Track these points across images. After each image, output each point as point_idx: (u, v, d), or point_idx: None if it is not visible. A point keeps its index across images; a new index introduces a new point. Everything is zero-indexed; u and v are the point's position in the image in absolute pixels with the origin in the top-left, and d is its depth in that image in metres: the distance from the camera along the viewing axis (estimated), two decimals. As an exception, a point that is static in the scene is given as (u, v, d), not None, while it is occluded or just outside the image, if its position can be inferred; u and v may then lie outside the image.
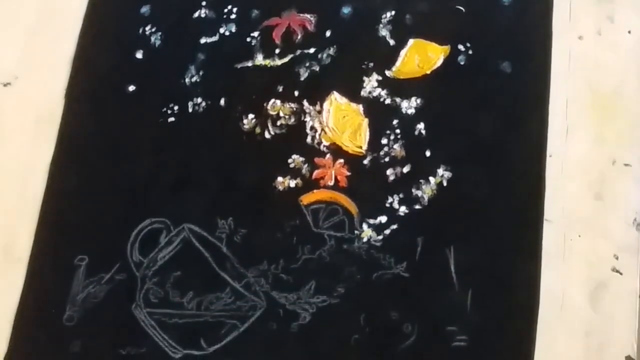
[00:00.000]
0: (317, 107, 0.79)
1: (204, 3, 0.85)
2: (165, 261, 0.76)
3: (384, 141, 0.77)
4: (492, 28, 0.79)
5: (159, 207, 0.78)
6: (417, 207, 0.74)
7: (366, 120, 0.78)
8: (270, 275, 0.74)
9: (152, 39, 0.84)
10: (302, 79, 0.80)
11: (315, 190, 0.76)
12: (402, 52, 0.79)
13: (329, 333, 0.71)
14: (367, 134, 0.77)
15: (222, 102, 0.81)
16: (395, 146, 0.76)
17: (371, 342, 0.70)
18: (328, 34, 0.82)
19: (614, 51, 0.77)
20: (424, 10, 0.81)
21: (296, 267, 0.74)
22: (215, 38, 0.83)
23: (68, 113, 0.83)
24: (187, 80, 0.82)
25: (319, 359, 0.72)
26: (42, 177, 0.81)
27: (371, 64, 0.79)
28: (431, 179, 0.75)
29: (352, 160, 0.77)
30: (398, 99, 0.78)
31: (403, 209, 0.74)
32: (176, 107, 0.81)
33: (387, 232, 0.74)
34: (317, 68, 0.80)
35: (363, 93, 0.79)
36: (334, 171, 0.76)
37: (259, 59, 0.82)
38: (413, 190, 0.74)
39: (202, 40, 0.83)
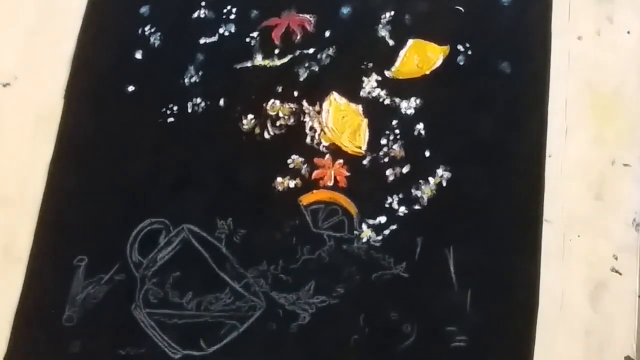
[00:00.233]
0: (317, 108, 0.79)
1: (203, 3, 0.85)
2: (165, 262, 0.76)
3: (384, 141, 0.77)
4: (492, 28, 0.79)
5: (158, 208, 0.78)
6: (417, 207, 0.74)
7: (365, 121, 0.78)
8: (270, 275, 0.74)
9: (152, 39, 0.84)
10: (301, 79, 0.80)
11: (314, 191, 0.76)
12: (402, 53, 0.79)
13: (329, 333, 0.71)
14: (367, 134, 0.77)
15: (221, 102, 0.81)
16: (395, 146, 0.76)
17: (371, 342, 0.70)
18: (327, 34, 0.81)
19: (613, 51, 0.77)
20: (423, 10, 0.81)
21: (295, 268, 0.74)
22: (214, 38, 0.83)
23: (67, 113, 0.83)
24: (186, 80, 0.82)
25: (318, 359, 0.72)
26: (42, 177, 0.80)
27: (370, 64, 0.79)
28: (430, 179, 0.75)
29: (352, 161, 0.77)
30: (397, 99, 0.78)
31: (402, 209, 0.74)
32: (175, 108, 0.81)
33: (387, 232, 0.74)
34: (316, 68, 0.80)
35: (362, 93, 0.79)
36: (333, 171, 0.76)
37: (259, 60, 0.82)
38: (412, 190, 0.74)
39: (202, 41, 0.83)
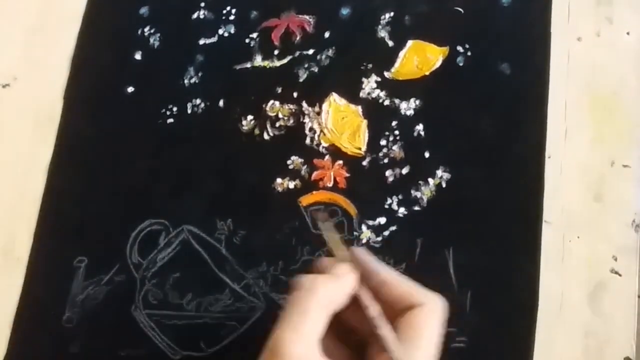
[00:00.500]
0: (316, 109, 0.79)
1: (202, 4, 0.85)
2: (165, 262, 0.76)
3: (383, 142, 0.77)
4: (491, 29, 0.79)
5: (158, 208, 0.78)
6: (416, 208, 0.74)
7: (365, 122, 0.78)
8: (270, 276, 0.74)
9: (151, 40, 0.84)
10: (301, 80, 0.80)
11: (314, 192, 0.76)
12: (401, 54, 0.80)
13: (328, 334, 0.71)
14: (366, 135, 0.77)
15: (220, 103, 0.81)
16: (394, 147, 0.76)
17: (370, 343, 0.70)
18: (327, 35, 0.82)
19: (613, 52, 0.77)
20: (423, 11, 0.81)
21: (295, 269, 0.74)
22: (214, 39, 0.83)
23: (67, 114, 0.83)
24: (186, 81, 0.82)
25: None
26: (42, 177, 0.80)
27: (370, 65, 0.79)
28: (430, 180, 0.75)
29: (351, 162, 0.77)
30: (397, 100, 0.78)
31: (402, 211, 0.74)
32: (175, 109, 0.81)
33: (386, 233, 0.74)
34: (316, 69, 0.80)
35: (362, 94, 0.79)
36: (333, 172, 0.76)
37: (258, 60, 0.82)
38: (412, 191, 0.75)
39: (201, 42, 0.83)
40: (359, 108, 0.78)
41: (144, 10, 0.86)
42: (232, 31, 0.83)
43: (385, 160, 0.76)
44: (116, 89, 0.83)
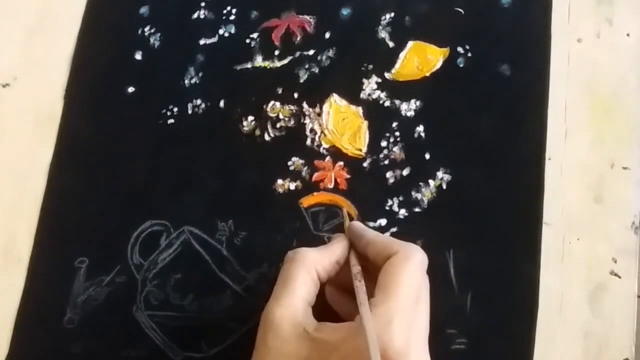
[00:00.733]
0: (317, 109, 0.79)
1: (203, 4, 0.85)
2: (166, 263, 0.76)
3: (384, 143, 0.77)
4: (492, 30, 0.79)
5: (159, 209, 0.78)
6: (417, 209, 0.74)
7: (366, 123, 0.78)
8: (271, 277, 0.74)
9: (151, 40, 0.84)
10: (301, 80, 0.80)
11: (315, 193, 0.76)
12: (402, 54, 0.80)
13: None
14: (367, 136, 0.77)
15: (221, 103, 0.81)
16: (395, 149, 0.76)
17: (371, 344, 0.70)
18: (327, 35, 0.82)
19: (613, 54, 0.77)
20: (423, 12, 0.81)
21: (296, 269, 0.74)
22: (214, 39, 0.83)
23: (67, 114, 0.83)
24: (186, 81, 0.82)
25: None
26: (42, 178, 0.80)
27: (370, 66, 0.80)
28: (430, 181, 0.75)
29: (352, 163, 0.77)
30: (397, 101, 0.78)
31: (403, 212, 0.74)
32: (175, 109, 0.81)
33: (387, 234, 0.74)
34: (316, 70, 0.80)
35: (362, 95, 0.79)
36: (333, 174, 0.76)
37: (259, 61, 0.82)
38: (413, 193, 0.75)
39: (202, 42, 0.83)
40: (360, 109, 0.78)
41: (144, 10, 0.85)
42: (233, 31, 0.83)
43: (386, 162, 0.76)
44: (116, 89, 0.83)
